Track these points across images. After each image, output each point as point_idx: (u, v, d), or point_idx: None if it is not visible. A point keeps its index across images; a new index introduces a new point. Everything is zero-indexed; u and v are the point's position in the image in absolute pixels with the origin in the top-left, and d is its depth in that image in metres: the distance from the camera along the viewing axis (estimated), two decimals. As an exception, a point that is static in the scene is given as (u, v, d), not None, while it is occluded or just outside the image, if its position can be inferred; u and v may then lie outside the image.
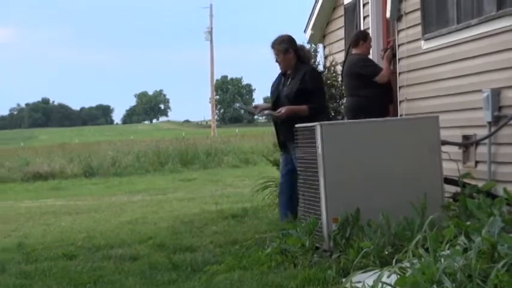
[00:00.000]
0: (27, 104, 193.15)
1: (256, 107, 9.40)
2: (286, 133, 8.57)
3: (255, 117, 10.94)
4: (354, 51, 10.56)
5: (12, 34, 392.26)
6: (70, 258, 8.94)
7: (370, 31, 11.60)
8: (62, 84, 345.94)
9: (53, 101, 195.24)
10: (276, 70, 9.06)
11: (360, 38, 10.59)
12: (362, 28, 11.94)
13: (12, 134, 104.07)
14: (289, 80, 8.79)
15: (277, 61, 8.87)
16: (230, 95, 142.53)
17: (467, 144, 8.81)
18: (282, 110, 8.57)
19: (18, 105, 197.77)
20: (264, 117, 8.71)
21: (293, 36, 9.01)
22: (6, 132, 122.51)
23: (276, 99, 8.93)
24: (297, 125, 8.29)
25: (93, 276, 7.74)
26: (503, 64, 8.03)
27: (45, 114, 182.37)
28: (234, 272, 7.34)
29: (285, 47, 8.74)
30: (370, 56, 11.19)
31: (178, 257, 8.42)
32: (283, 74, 8.98)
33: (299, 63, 8.82)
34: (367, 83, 10.17)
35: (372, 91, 10.13)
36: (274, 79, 9.14)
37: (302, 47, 8.98)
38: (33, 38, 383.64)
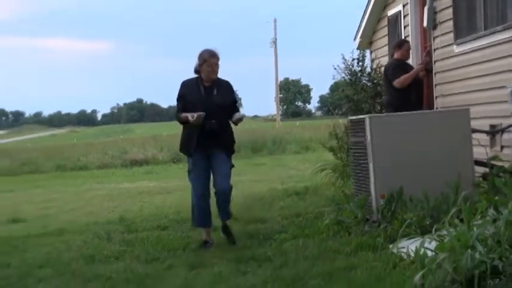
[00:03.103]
0: (124, 104, 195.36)
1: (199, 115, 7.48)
2: (221, 139, 7.65)
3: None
4: (394, 56, 10.58)
5: (113, 46, 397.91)
6: (163, 229, 9.05)
7: (409, 38, 11.54)
8: (154, 87, 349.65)
9: (146, 101, 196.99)
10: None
11: (395, 47, 10.70)
12: (403, 35, 11.88)
13: (113, 128, 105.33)
14: (215, 90, 7.64)
15: (212, 70, 7.62)
16: (291, 94, 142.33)
17: (494, 132, 8.71)
18: (239, 116, 7.66)
19: (118, 104, 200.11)
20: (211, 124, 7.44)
21: None
22: (108, 127, 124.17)
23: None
24: (350, 118, 8.25)
25: (182, 243, 7.84)
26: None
27: (139, 112, 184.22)
28: (299, 239, 7.37)
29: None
30: (411, 59, 11.15)
31: (252, 227, 8.47)
32: (201, 85, 7.67)
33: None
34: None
35: (397, 90, 10.13)
36: (182, 88, 7.79)
37: None
38: (130, 50, 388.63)
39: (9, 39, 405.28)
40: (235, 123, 7.76)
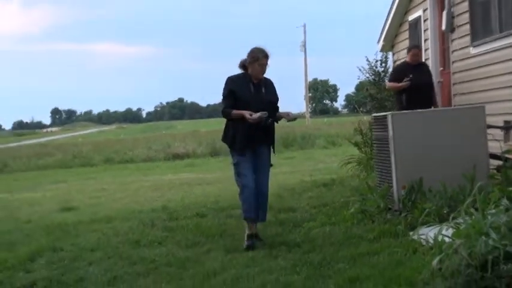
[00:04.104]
0: (167, 102, 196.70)
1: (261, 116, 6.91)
2: (269, 135, 7.22)
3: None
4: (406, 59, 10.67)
5: (156, 50, 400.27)
6: (202, 216, 9.08)
7: (429, 41, 11.50)
8: (193, 87, 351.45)
9: (187, 100, 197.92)
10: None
11: (406, 51, 10.65)
12: (423, 39, 11.83)
13: (157, 125, 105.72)
14: (263, 88, 7.09)
15: (262, 69, 7.04)
16: (320, 93, 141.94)
17: (508, 127, 8.63)
18: (296, 115, 7.48)
19: (161, 103, 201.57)
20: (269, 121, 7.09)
21: None
22: (152, 123, 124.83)
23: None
24: (374, 114, 8.20)
25: (219, 230, 7.87)
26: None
27: (180, 110, 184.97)
28: (326, 226, 7.37)
29: None
30: (430, 60, 11.13)
31: (283, 216, 8.47)
32: (250, 82, 7.06)
33: None
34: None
35: (396, 92, 10.21)
36: (231, 83, 7.08)
37: None
38: (172, 53, 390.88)
39: (62, 44, 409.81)
40: (278, 121, 7.26)
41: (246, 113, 6.84)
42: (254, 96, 7.01)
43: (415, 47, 10.58)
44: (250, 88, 7.04)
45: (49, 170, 25.57)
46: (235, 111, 6.95)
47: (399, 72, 10.32)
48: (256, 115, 6.81)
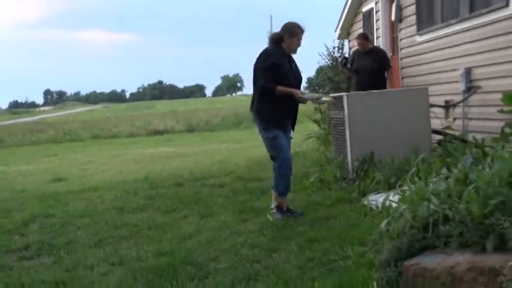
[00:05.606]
0: (148, 84, 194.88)
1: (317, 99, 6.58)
2: (295, 113, 6.44)
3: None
4: None
5: (139, 37, 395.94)
6: (179, 186, 9.05)
7: (380, 30, 11.55)
8: (172, 70, 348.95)
9: (166, 82, 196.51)
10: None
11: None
12: (375, 28, 11.86)
13: (139, 105, 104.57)
14: (293, 64, 6.33)
15: (299, 44, 6.33)
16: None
17: (448, 106, 8.72)
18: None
19: (143, 85, 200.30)
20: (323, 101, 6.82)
21: None
22: (134, 103, 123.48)
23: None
24: (331, 95, 8.21)
25: (194, 198, 7.86)
26: (473, 51, 7.93)
27: (160, 91, 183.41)
28: (289, 194, 7.37)
29: None
30: (381, 47, 11.17)
31: (251, 185, 8.48)
32: (285, 57, 6.25)
33: None
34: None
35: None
36: (274, 57, 6.12)
37: None
38: (153, 40, 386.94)
39: (53, 31, 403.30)
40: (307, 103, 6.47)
41: (298, 92, 6.15)
42: (291, 70, 6.24)
43: (357, 37, 10.38)
44: (286, 63, 6.21)
45: (42, 145, 25.27)
46: (282, 88, 6.04)
47: (352, 57, 10.50)
48: (307, 96, 6.24)
